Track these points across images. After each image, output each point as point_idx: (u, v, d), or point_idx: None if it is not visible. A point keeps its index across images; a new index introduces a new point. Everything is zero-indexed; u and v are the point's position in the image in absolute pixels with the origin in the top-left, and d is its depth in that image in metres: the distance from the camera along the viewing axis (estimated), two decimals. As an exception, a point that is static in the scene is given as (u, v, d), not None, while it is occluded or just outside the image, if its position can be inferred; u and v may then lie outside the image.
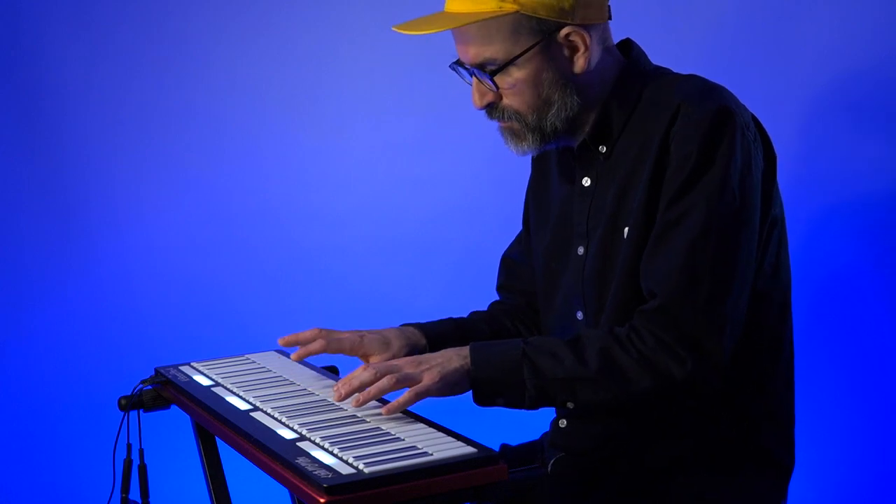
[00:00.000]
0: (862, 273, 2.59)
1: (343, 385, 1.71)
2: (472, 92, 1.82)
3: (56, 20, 3.16)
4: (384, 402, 1.73)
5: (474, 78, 1.81)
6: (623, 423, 1.82)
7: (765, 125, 1.83)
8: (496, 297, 2.16)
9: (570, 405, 1.73)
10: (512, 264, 2.12)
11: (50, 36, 3.16)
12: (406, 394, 1.67)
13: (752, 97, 2.61)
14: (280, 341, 1.94)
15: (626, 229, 1.77)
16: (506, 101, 1.80)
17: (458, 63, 1.83)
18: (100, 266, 3.21)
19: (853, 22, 2.54)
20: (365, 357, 1.92)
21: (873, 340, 2.59)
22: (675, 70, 1.88)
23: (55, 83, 3.17)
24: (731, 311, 1.69)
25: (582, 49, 1.76)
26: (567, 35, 1.75)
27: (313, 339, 1.92)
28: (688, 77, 1.82)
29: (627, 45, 1.88)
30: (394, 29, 1.80)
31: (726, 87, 1.79)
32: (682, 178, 1.70)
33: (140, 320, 3.19)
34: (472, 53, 1.78)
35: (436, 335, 1.98)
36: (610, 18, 1.82)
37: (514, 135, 1.83)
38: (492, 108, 1.82)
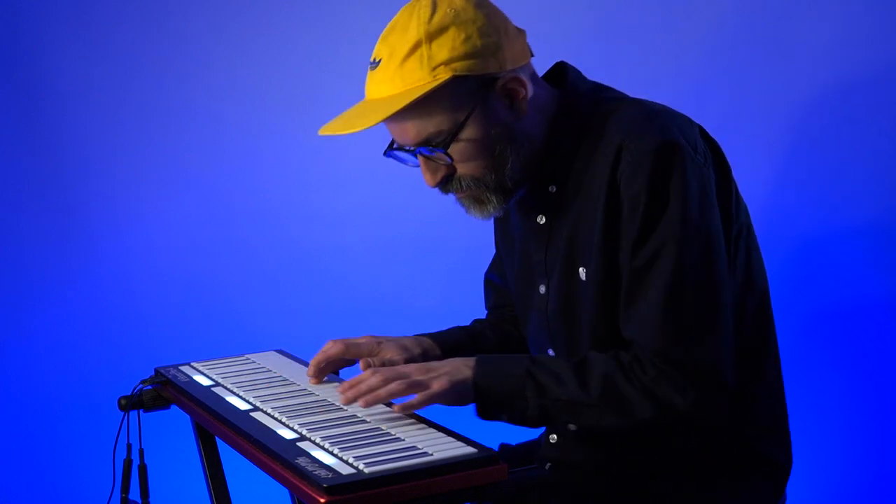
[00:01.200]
0: (859, 273, 2.59)
1: (350, 389, 1.69)
2: (423, 172, 1.75)
3: (56, 20, 3.16)
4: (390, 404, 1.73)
5: (420, 158, 1.74)
6: (616, 436, 1.81)
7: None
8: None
9: (572, 427, 1.71)
10: (496, 286, 2.11)
11: (50, 36, 3.16)
12: (417, 396, 1.65)
13: (752, 97, 2.62)
14: (309, 375, 1.89)
15: (583, 270, 1.74)
16: (460, 170, 1.73)
17: (395, 147, 1.76)
18: (100, 266, 3.21)
19: (853, 21, 2.54)
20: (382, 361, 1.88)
21: (871, 340, 2.60)
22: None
23: (55, 83, 3.17)
24: (723, 339, 1.66)
25: (522, 94, 1.71)
26: (504, 84, 1.70)
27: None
28: (627, 105, 1.76)
29: (562, 71, 1.82)
30: (321, 133, 1.72)
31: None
32: (639, 220, 1.66)
33: (140, 320, 3.19)
34: (412, 133, 1.71)
35: (449, 345, 1.96)
36: (532, 55, 1.76)
37: (475, 201, 1.76)
38: (446, 183, 1.75)
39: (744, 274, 1.78)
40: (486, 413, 1.71)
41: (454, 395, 1.68)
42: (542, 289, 1.84)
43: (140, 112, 3.17)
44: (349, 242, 3.08)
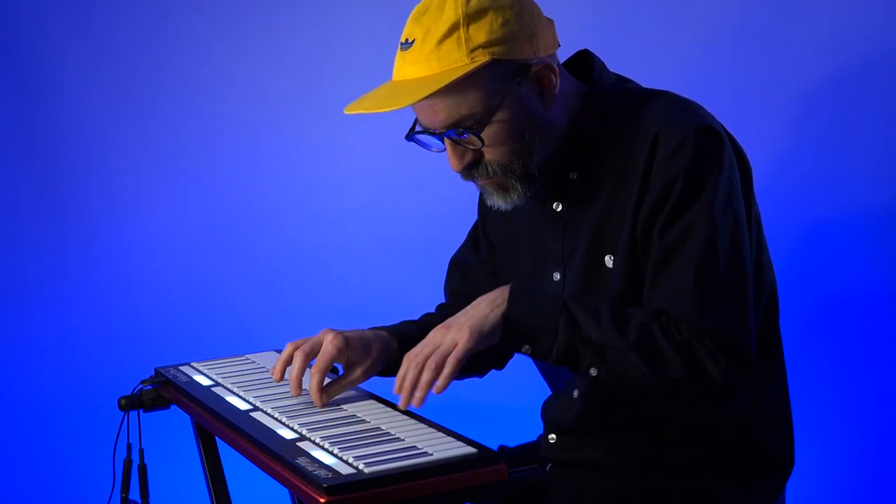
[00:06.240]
0: (859, 272, 2.59)
1: (405, 393, 1.65)
2: (449, 157, 1.73)
3: (56, 20, 3.16)
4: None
5: (447, 142, 1.72)
6: (617, 434, 1.81)
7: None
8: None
9: (592, 371, 1.67)
10: (466, 269, 2.07)
11: (50, 36, 3.16)
12: (447, 366, 1.62)
13: (752, 96, 2.61)
14: (275, 377, 1.81)
15: (609, 258, 1.74)
16: (488, 156, 1.72)
17: (418, 130, 1.73)
18: (100, 266, 3.21)
19: (852, 20, 2.53)
20: (347, 363, 1.81)
21: (871, 339, 2.59)
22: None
23: (55, 83, 3.18)
24: (749, 313, 1.68)
25: (553, 82, 1.71)
26: (537, 71, 1.70)
27: (291, 358, 1.79)
28: (656, 96, 1.77)
29: (585, 60, 1.83)
30: (348, 112, 1.70)
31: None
32: (673, 203, 1.67)
33: (140, 320, 3.19)
34: (443, 115, 1.68)
35: (404, 338, 1.90)
36: (559, 46, 1.76)
37: (499, 188, 1.75)
38: (472, 168, 1.73)
39: (755, 269, 1.78)
40: (509, 342, 1.68)
41: (480, 339, 1.64)
42: (557, 276, 1.83)
43: (140, 112, 3.17)
44: (349, 242, 3.08)
